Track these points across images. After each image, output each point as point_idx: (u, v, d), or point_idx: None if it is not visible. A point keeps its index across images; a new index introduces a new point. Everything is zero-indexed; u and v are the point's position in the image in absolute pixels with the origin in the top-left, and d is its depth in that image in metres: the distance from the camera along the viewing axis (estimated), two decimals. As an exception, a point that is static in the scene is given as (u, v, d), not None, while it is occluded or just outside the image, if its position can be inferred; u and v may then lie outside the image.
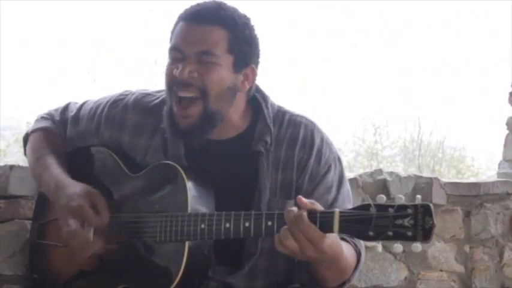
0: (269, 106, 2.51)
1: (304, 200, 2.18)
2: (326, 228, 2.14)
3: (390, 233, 2.07)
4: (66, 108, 2.71)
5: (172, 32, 2.43)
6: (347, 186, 2.52)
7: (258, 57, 2.47)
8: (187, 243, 2.30)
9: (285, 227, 2.16)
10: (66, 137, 2.66)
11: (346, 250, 2.33)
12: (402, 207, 2.06)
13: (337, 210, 2.14)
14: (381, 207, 2.08)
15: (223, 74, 2.38)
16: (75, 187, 2.44)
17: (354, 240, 2.40)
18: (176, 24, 2.43)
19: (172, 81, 2.39)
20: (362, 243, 2.44)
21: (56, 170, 2.53)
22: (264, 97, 2.52)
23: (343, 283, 2.42)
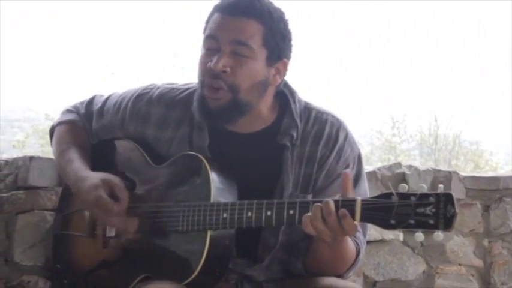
0: (296, 102, 2.51)
1: (350, 177, 2.23)
2: None
3: (412, 221, 2.08)
4: (91, 101, 2.73)
5: (207, 22, 2.45)
6: (363, 185, 2.53)
7: (290, 51, 2.47)
8: (209, 233, 2.32)
9: (316, 204, 2.18)
10: (92, 130, 2.68)
11: (350, 241, 2.35)
12: (424, 196, 2.08)
13: (359, 198, 2.17)
14: (403, 196, 2.10)
15: (256, 68, 2.40)
16: (92, 179, 2.47)
17: (356, 240, 2.42)
18: (211, 15, 2.44)
19: (206, 74, 2.41)
20: (363, 247, 2.45)
21: (77, 165, 2.55)
22: (292, 92, 2.53)
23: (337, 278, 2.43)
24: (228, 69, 2.38)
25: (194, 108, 2.47)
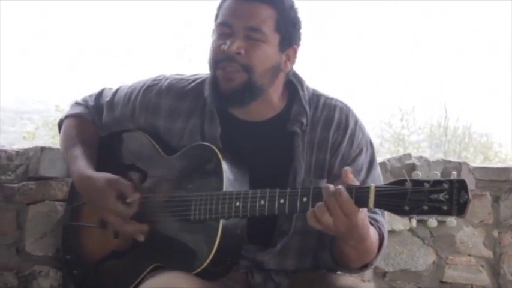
0: (305, 89, 2.53)
1: (349, 172, 2.20)
2: (362, 202, 2.17)
3: (425, 207, 2.09)
4: (100, 94, 2.73)
5: (219, 8, 2.46)
6: (377, 170, 2.54)
7: (300, 39, 2.50)
8: (221, 222, 2.33)
9: (321, 202, 2.18)
10: (102, 123, 2.68)
11: (372, 231, 2.35)
12: (438, 182, 2.09)
13: (372, 185, 2.17)
14: (417, 182, 2.11)
15: (269, 52, 2.42)
16: (96, 181, 2.47)
17: (378, 225, 2.42)
18: (224, 1, 2.46)
19: (219, 57, 2.42)
20: (386, 229, 2.45)
21: (80, 163, 2.56)
22: (300, 80, 2.55)
23: (365, 266, 2.43)
24: (243, 51, 2.39)
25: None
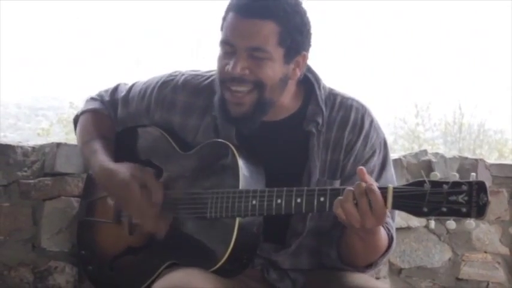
0: (321, 88, 2.50)
1: (365, 171, 2.19)
2: None
3: (444, 209, 2.09)
4: (116, 89, 2.72)
5: (224, 19, 2.41)
6: (391, 171, 2.52)
7: (309, 42, 2.44)
8: (237, 220, 2.32)
9: (348, 188, 2.18)
10: (117, 118, 2.68)
11: (382, 230, 2.34)
12: (457, 184, 2.08)
13: (390, 186, 2.16)
14: (435, 184, 2.10)
15: (274, 67, 2.37)
16: (121, 174, 2.46)
17: (388, 226, 2.41)
18: (227, 13, 2.40)
19: (225, 77, 2.38)
20: (394, 231, 2.44)
21: (101, 157, 2.55)
22: (317, 79, 2.52)
23: (370, 265, 2.42)
24: (247, 71, 2.36)
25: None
